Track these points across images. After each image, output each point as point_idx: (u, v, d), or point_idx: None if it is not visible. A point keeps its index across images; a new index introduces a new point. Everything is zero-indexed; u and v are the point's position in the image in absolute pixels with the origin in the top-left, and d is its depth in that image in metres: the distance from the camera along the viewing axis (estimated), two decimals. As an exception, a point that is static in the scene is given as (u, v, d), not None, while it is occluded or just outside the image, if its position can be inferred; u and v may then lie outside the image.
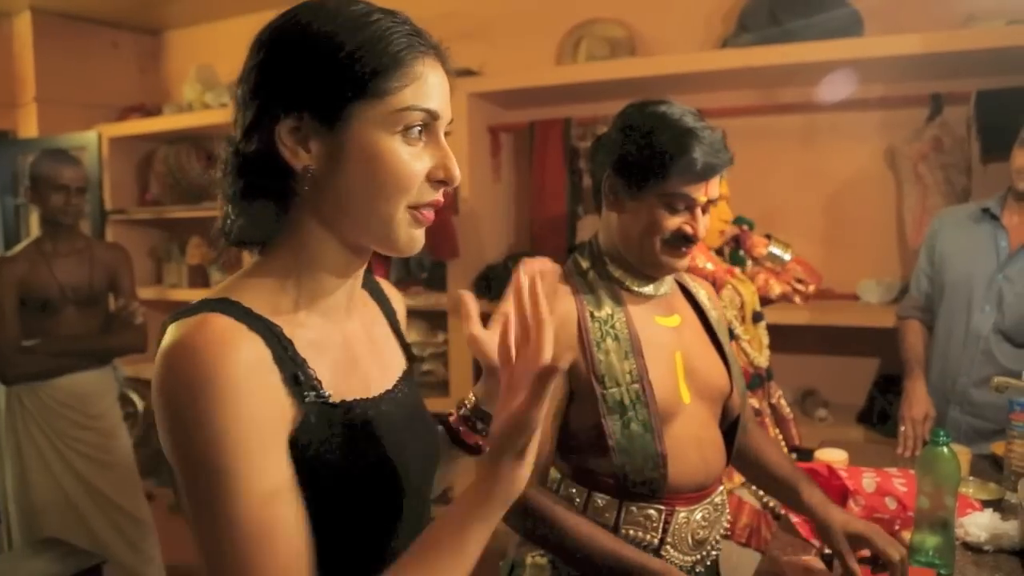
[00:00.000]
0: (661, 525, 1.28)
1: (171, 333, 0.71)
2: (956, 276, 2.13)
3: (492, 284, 3.04)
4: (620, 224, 1.33)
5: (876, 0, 2.59)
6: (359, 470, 0.78)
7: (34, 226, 3.83)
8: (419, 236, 0.81)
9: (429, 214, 0.80)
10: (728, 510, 1.41)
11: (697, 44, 2.98)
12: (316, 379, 0.76)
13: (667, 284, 1.39)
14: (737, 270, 2.10)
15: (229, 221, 0.80)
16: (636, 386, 1.26)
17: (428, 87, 0.76)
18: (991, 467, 1.84)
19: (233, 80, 3.16)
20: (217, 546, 0.68)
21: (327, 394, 0.76)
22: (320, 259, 0.80)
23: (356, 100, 0.73)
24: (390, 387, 0.89)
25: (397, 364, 0.94)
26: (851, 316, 2.63)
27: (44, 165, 2.53)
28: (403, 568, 0.72)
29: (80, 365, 2.56)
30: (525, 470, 0.71)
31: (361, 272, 0.87)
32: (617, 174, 1.30)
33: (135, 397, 3.42)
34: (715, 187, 1.29)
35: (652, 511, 1.28)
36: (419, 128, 0.76)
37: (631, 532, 1.28)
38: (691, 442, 1.31)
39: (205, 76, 3.73)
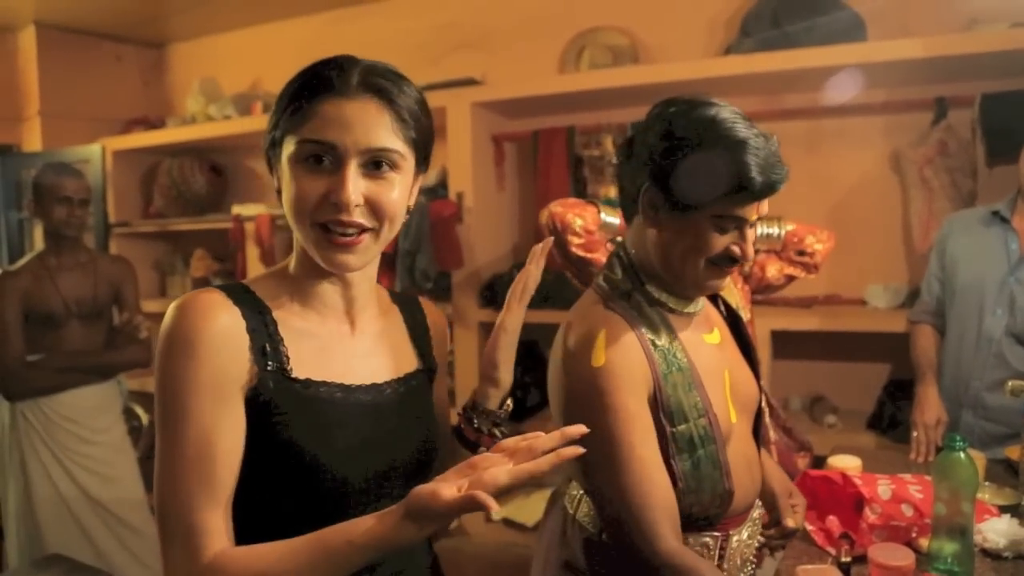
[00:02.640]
0: (717, 552, 1.23)
1: (180, 298, 0.90)
2: (967, 280, 2.11)
3: (498, 294, 3.04)
4: (660, 241, 1.20)
5: (878, 4, 2.59)
6: (299, 437, 0.89)
7: (38, 240, 3.83)
8: (345, 259, 0.91)
9: (343, 239, 0.90)
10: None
11: (700, 51, 2.99)
12: (285, 355, 0.92)
13: (700, 301, 1.30)
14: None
15: None
16: (703, 420, 1.17)
17: (323, 122, 0.87)
18: (1005, 471, 1.82)
19: (237, 92, 3.18)
20: (163, 469, 0.85)
21: (288, 368, 0.91)
22: (310, 267, 0.96)
23: (282, 139, 0.91)
24: (379, 382, 0.99)
25: (398, 366, 1.04)
26: (859, 321, 2.62)
27: (47, 177, 2.51)
28: (268, 549, 0.83)
29: (84, 380, 2.54)
30: (414, 537, 0.80)
31: (359, 285, 0.99)
32: (658, 187, 1.16)
33: (139, 411, 3.40)
34: (766, 202, 1.17)
35: (708, 539, 1.22)
36: (316, 157, 0.88)
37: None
38: (742, 462, 1.25)
39: (208, 89, 3.74)
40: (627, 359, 1.14)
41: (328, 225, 0.89)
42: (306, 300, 0.97)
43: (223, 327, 0.87)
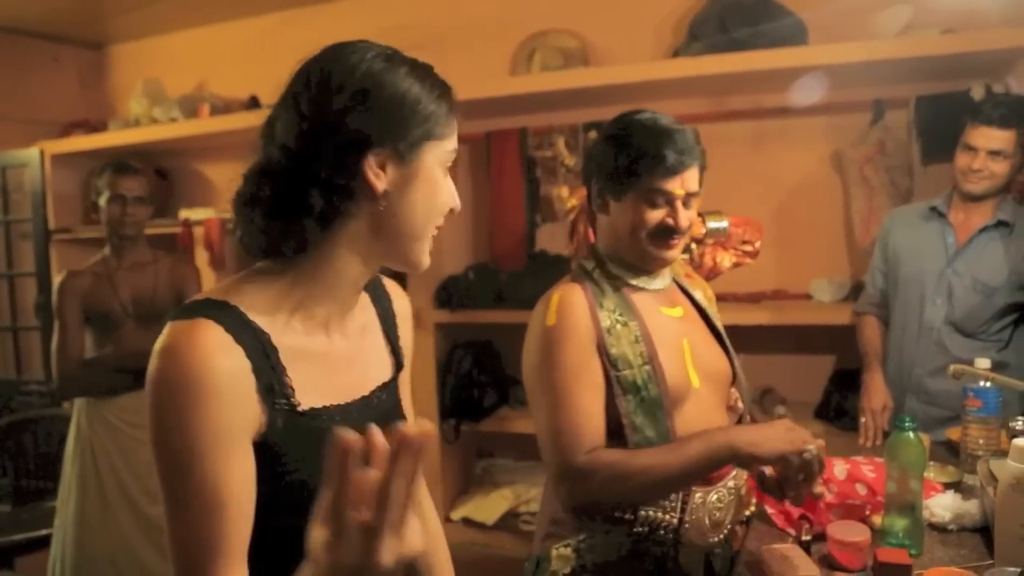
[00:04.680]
0: (679, 506, 1.34)
1: (167, 333, 0.80)
2: (909, 272, 2.22)
3: (453, 295, 3.05)
4: (611, 225, 1.43)
5: (819, 11, 2.69)
6: (309, 476, 0.83)
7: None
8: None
9: None
10: (746, 495, 1.49)
11: (648, 54, 3.05)
12: (290, 387, 0.85)
13: (665, 279, 1.46)
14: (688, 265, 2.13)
15: (260, 233, 0.86)
16: (647, 367, 1.33)
17: (455, 133, 0.92)
18: (947, 452, 1.91)
19: (183, 94, 3.08)
20: (175, 525, 0.79)
21: (296, 403, 0.85)
22: (340, 272, 0.90)
23: (428, 140, 0.88)
24: (366, 393, 0.96)
25: (379, 371, 1.01)
26: (805, 315, 2.71)
27: (102, 176, 2.51)
28: None
29: (139, 383, 2.47)
30: None
31: (358, 290, 0.96)
32: (602, 179, 1.41)
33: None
34: (692, 181, 1.37)
35: None
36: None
37: (651, 513, 1.34)
38: (702, 424, 1.36)
39: (152, 90, 3.66)
40: (574, 317, 1.34)
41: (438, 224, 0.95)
42: (308, 311, 0.89)
43: (229, 369, 0.79)
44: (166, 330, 0.80)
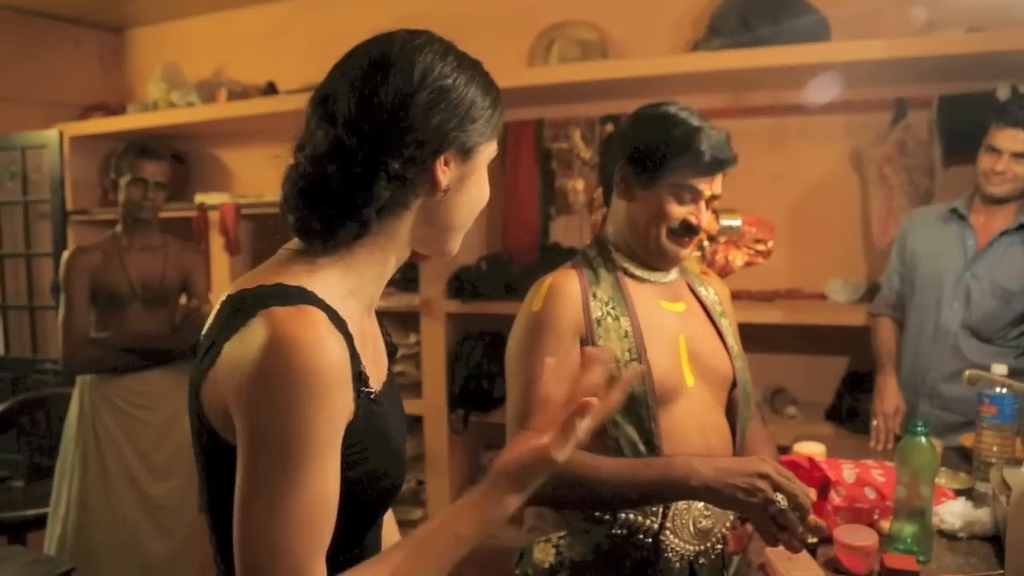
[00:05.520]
0: (660, 510, 1.31)
1: (273, 322, 0.76)
2: (926, 274, 2.19)
3: (464, 285, 3.04)
4: (629, 212, 1.40)
5: (843, 8, 2.65)
6: (382, 454, 0.87)
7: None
8: None
9: None
10: None
11: (667, 47, 3.03)
12: (366, 375, 0.85)
13: (670, 273, 1.44)
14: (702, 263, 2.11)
15: (319, 218, 0.85)
16: (634, 363, 1.31)
17: None
18: (959, 458, 1.89)
19: (201, 79, 3.07)
20: (265, 513, 0.74)
21: (372, 389, 0.86)
22: (389, 259, 0.92)
23: (485, 141, 0.92)
24: (387, 376, 0.98)
25: (383, 350, 1.03)
26: (819, 315, 2.68)
27: (126, 156, 2.52)
28: (375, 565, 0.82)
29: (147, 364, 2.52)
30: (519, 503, 0.85)
31: None
32: (630, 164, 1.37)
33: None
34: (719, 184, 1.37)
35: None
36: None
37: (630, 516, 1.31)
38: (693, 424, 1.35)
39: (171, 75, 3.66)
40: (561, 306, 1.32)
41: None
42: (352, 294, 0.89)
43: (340, 358, 0.78)
44: (265, 319, 0.76)
